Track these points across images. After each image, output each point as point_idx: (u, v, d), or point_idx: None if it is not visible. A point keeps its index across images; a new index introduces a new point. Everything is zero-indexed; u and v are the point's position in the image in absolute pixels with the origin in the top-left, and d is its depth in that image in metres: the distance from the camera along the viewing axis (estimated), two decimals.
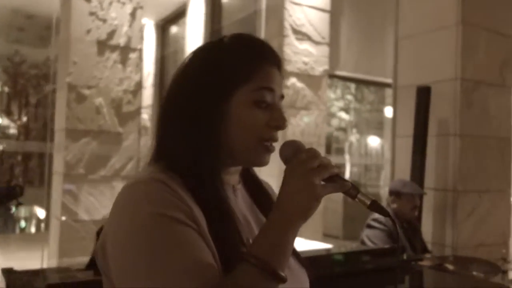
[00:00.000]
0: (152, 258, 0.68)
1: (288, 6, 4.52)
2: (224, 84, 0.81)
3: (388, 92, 5.87)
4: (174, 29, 6.99)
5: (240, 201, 0.88)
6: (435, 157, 3.12)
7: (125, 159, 3.73)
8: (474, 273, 1.98)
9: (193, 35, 6.01)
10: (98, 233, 1.72)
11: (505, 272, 2.10)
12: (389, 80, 5.01)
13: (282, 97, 0.86)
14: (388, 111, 6.20)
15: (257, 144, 0.82)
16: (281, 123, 0.82)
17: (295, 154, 0.78)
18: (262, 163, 0.85)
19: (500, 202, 3.23)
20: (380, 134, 5.85)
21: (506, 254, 2.45)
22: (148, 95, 6.92)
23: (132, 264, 0.69)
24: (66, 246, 3.45)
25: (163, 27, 7.03)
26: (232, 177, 0.88)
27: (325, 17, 4.79)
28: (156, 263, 0.68)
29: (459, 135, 3.03)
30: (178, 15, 6.66)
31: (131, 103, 3.83)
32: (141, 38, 4.08)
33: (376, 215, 2.57)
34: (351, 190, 0.75)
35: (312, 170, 0.73)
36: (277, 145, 0.83)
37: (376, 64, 5.12)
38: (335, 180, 0.75)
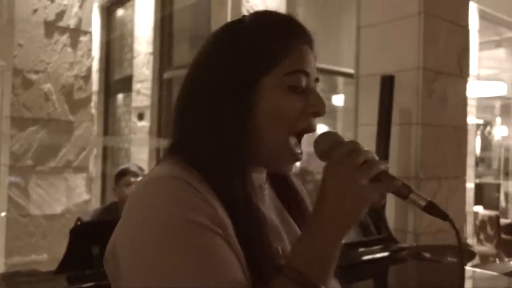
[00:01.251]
0: (173, 272, 0.59)
1: None
2: (252, 69, 0.70)
3: (340, 80, 5.92)
4: (120, 12, 6.67)
5: (268, 204, 0.78)
6: (398, 145, 3.17)
7: (77, 149, 3.50)
8: (449, 259, 2.02)
9: (142, 19, 5.76)
10: (72, 231, 1.58)
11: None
12: (342, 69, 5.06)
13: (317, 80, 0.76)
14: (338, 100, 6.26)
15: (286, 141, 0.72)
16: (320, 109, 0.73)
17: (333, 148, 0.68)
18: (285, 170, 0.76)
19: (457, 189, 3.35)
20: (331, 124, 5.92)
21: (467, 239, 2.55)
22: (93, 81, 6.59)
23: (151, 277, 0.59)
24: (14, 244, 3.20)
25: (108, 10, 6.69)
26: (259, 176, 0.78)
27: (282, 4, 4.74)
28: (178, 279, 0.58)
29: (421, 124, 3.10)
30: None
31: (83, 90, 3.60)
32: (92, 20, 3.84)
33: None
34: (402, 189, 0.66)
35: (356, 169, 0.63)
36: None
37: (330, 52, 5.14)
38: (383, 178, 0.65)
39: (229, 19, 3.84)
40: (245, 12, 4.42)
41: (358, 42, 3.50)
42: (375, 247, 2.12)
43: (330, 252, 0.64)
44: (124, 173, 2.44)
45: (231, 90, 0.70)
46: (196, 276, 0.58)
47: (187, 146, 0.71)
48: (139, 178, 2.40)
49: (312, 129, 0.74)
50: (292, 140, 0.72)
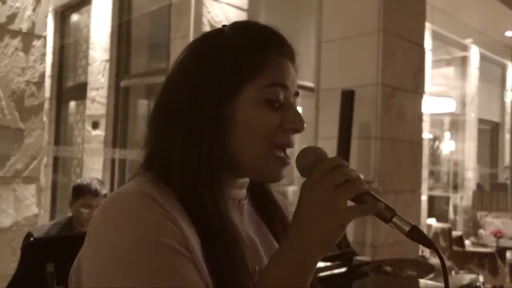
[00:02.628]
0: None
1: (207, 2, 4.40)
2: (228, 81, 0.68)
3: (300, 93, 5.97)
4: (75, 17, 6.48)
5: (246, 221, 0.76)
6: (357, 158, 3.22)
7: (28, 159, 3.32)
8: (409, 272, 2.05)
9: (98, 25, 5.62)
10: (25, 247, 1.48)
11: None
12: (302, 82, 5.12)
13: (297, 94, 0.73)
14: None
15: (269, 152, 0.69)
16: (298, 125, 0.70)
17: (315, 164, 0.65)
18: (276, 177, 0.72)
19: (412, 201, 3.44)
20: None
21: (423, 252, 2.60)
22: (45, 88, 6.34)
23: None
24: None
25: (63, 14, 6.49)
26: (239, 191, 0.75)
27: (243, 15, 4.75)
28: None
29: (380, 138, 3.16)
30: (81, 2, 6.18)
31: (35, 96, 3.43)
32: (46, 24, 3.68)
33: None
34: (385, 212, 0.63)
35: (337, 188, 0.61)
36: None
37: None
38: (365, 199, 0.63)
39: (191, 29, 3.80)
40: (206, 22, 4.39)
41: (318, 57, 3.54)
42: (336, 263, 2.12)
43: (300, 276, 0.61)
44: (84, 192, 2.31)
45: (206, 103, 0.67)
46: None
47: (160, 161, 0.68)
48: (99, 199, 2.28)
49: (289, 145, 0.71)
50: (276, 150, 0.70)
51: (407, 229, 0.62)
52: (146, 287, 0.55)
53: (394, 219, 0.63)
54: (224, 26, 0.75)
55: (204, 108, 0.67)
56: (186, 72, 0.71)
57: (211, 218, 0.64)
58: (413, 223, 0.62)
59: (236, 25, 0.74)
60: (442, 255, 0.63)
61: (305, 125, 0.72)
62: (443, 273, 0.64)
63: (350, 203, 0.63)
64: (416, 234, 0.62)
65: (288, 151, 0.73)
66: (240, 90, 0.68)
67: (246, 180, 0.76)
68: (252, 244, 0.72)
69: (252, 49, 0.70)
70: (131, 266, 0.57)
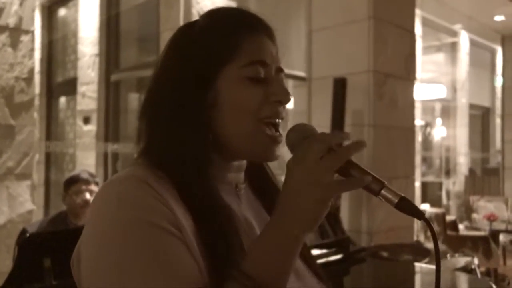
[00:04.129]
0: (124, 274, 0.57)
1: None
2: (207, 66, 0.69)
3: (290, 83, 5.96)
4: (62, 12, 6.41)
5: (244, 204, 0.76)
6: None
7: (20, 155, 3.29)
8: (405, 257, 2.07)
9: (86, 19, 5.55)
10: (21, 244, 1.47)
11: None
12: (293, 72, 5.11)
13: (281, 70, 0.73)
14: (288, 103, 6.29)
15: (257, 129, 0.69)
16: (283, 97, 0.70)
17: (302, 141, 0.63)
18: (268, 156, 0.71)
19: (406, 188, 3.45)
20: (282, 126, 5.95)
21: (418, 237, 2.62)
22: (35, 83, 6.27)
23: (103, 280, 0.58)
24: None
25: (50, 9, 6.41)
26: (236, 175, 0.75)
27: (233, 5, 4.72)
28: (129, 280, 0.57)
29: (373, 125, 3.17)
30: None
31: (25, 92, 3.40)
32: (34, 19, 3.64)
33: None
34: (373, 184, 0.60)
35: (318, 162, 0.58)
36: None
37: (281, 56, 5.17)
38: (352, 172, 0.60)
39: (180, 20, 3.78)
40: (195, 13, 4.35)
41: (309, 46, 3.53)
42: (332, 250, 2.12)
43: (283, 257, 0.60)
44: (74, 180, 2.31)
45: (189, 90, 0.69)
46: (147, 275, 0.57)
47: (152, 148, 0.70)
48: (91, 186, 2.29)
49: (278, 116, 0.71)
50: (265, 127, 0.70)
51: (396, 200, 0.59)
52: (133, 265, 0.57)
53: (382, 191, 0.60)
54: (200, 16, 0.76)
55: (187, 95, 0.69)
56: (168, 65, 0.73)
57: (203, 199, 0.64)
58: (403, 195, 0.59)
59: (208, 12, 0.76)
60: (432, 225, 0.62)
61: (290, 96, 0.71)
62: (433, 239, 0.62)
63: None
64: (405, 206, 0.59)
65: (282, 131, 0.72)
66: (219, 72, 0.69)
67: (243, 163, 0.76)
68: (248, 226, 0.72)
69: (225, 31, 0.71)
70: (118, 246, 0.58)
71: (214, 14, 0.75)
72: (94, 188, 2.30)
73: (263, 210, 0.80)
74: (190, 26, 0.75)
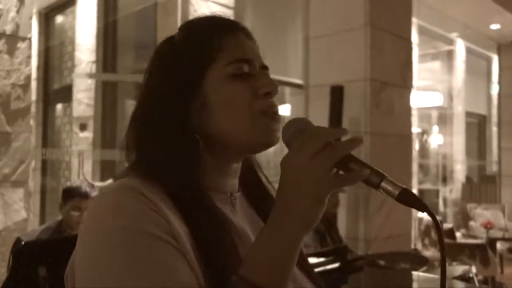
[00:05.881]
0: (120, 284, 0.56)
1: (193, 0, 4.37)
2: (190, 71, 0.70)
3: (287, 90, 5.97)
4: (60, 19, 6.41)
5: (239, 213, 0.76)
6: None
7: (16, 162, 3.28)
8: (402, 265, 2.06)
9: (83, 26, 5.55)
10: (16, 253, 1.45)
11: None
12: (290, 79, 5.11)
13: (266, 68, 0.74)
14: (285, 110, 6.32)
15: (253, 117, 0.69)
16: (271, 88, 0.70)
17: (296, 136, 0.61)
18: (269, 137, 0.70)
19: None
20: None
21: (416, 245, 2.62)
22: (31, 90, 6.26)
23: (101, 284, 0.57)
24: None
25: (47, 16, 6.41)
26: (230, 182, 0.75)
27: (230, 13, 4.72)
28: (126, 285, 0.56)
29: (369, 132, 3.17)
30: (65, 4, 6.10)
31: (21, 99, 3.39)
32: (31, 26, 3.64)
33: None
34: (373, 177, 0.58)
35: (313, 157, 0.56)
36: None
37: (278, 63, 5.19)
38: (350, 165, 0.58)
39: (176, 27, 3.79)
40: None
41: (306, 54, 3.54)
42: (329, 258, 2.11)
43: (281, 260, 0.59)
44: (73, 194, 2.28)
45: (176, 98, 0.70)
46: (144, 285, 0.56)
47: (143, 157, 0.71)
48: (89, 201, 2.26)
49: (272, 108, 0.71)
50: (262, 116, 0.70)
51: (397, 192, 0.56)
52: (129, 275, 0.56)
53: (382, 184, 0.58)
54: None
55: (175, 106, 0.69)
56: (151, 80, 0.74)
57: (197, 207, 0.64)
58: (404, 186, 0.57)
59: (183, 24, 0.78)
60: (435, 216, 0.59)
61: (278, 88, 0.71)
62: (437, 232, 0.59)
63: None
64: (407, 197, 0.57)
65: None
66: (204, 76, 0.70)
67: (239, 167, 0.76)
68: (244, 234, 0.72)
69: (202, 36, 0.72)
70: (113, 256, 0.57)
71: (190, 24, 0.77)
72: None
73: (258, 218, 0.79)
74: (169, 39, 0.77)
